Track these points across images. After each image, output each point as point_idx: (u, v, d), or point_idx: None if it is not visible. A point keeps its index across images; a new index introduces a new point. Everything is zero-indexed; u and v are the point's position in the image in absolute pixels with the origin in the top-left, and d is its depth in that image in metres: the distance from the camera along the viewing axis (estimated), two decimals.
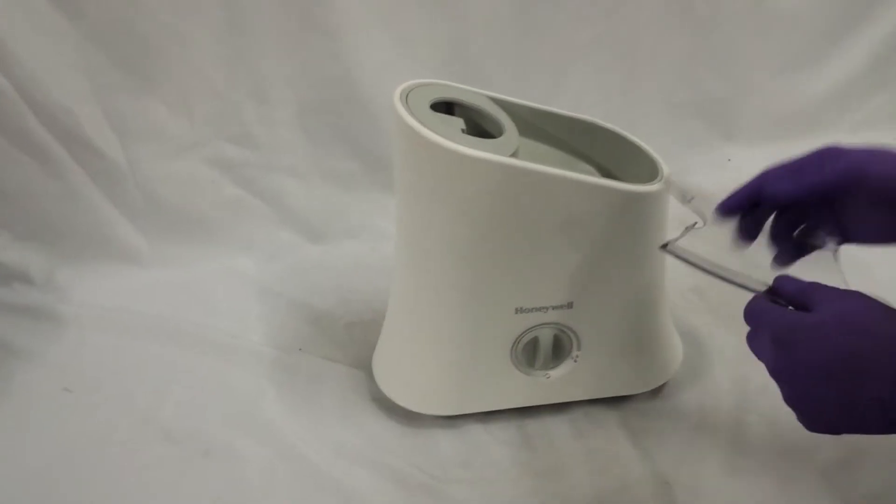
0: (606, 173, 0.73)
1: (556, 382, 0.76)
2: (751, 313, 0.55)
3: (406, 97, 0.66)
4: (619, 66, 1.09)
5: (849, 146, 0.57)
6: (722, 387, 0.81)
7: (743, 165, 1.13)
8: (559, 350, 0.74)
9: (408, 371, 0.77)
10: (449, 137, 0.62)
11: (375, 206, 1.05)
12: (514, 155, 0.64)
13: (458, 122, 0.67)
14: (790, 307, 0.55)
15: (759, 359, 0.55)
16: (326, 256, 1.02)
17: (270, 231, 1.03)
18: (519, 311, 0.70)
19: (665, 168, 0.69)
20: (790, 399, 0.52)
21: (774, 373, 0.52)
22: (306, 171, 1.03)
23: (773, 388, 0.79)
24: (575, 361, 0.75)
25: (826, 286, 0.54)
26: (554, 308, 0.71)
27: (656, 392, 0.80)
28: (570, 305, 0.71)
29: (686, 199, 0.66)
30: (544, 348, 0.73)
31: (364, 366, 0.84)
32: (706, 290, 0.94)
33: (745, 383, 0.81)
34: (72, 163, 0.92)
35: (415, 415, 0.77)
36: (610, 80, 1.10)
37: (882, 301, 0.51)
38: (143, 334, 0.89)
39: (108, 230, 0.97)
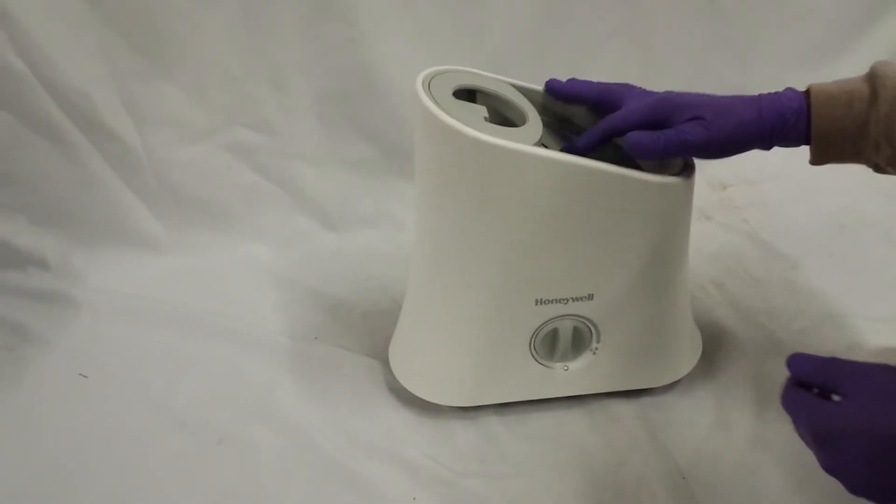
0: (631, 162, 0.72)
1: (575, 375, 0.75)
2: (785, 405, 0.53)
3: (428, 84, 0.65)
4: (638, 57, 1.08)
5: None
6: (741, 382, 0.81)
7: (764, 155, 1.13)
8: (578, 342, 0.74)
9: (425, 361, 0.76)
10: (472, 125, 0.62)
11: (392, 193, 1.04)
12: (537, 144, 0.63)
13: (480, 110, 0.66)
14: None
15: (807, 444, 0.52)
16: (343, 244, 1.02)
17: (286, 218, 1.03)
18: (539, 302, 0.70)
19: (692, 160, 0.68)
20: (854, 490, 0.49)
21: (827, 470, 0.50)
22: (323, 159, 1.03)
23: None
24: (594, 354, 0.74)
25: (845, 362, 0.52)
26: (574, 300, 0.70)
27: (675, 386, 0.79)
28: (590, 297, 0.70)
29: None
30: (564, 340, 0.73)
31: (380, 355, 0.84)
32: (726, 284, 0.93)
33: (763, 378, 0.81)
34: (88, 147, 0.92)
35: (431, 405, 0.77)
36: (628, 71, 1.09)
37: None
38: (157, 321, 0.89)
39: (123, 215, 0.97)
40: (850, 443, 0.47)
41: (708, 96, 0.64)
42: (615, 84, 0.69)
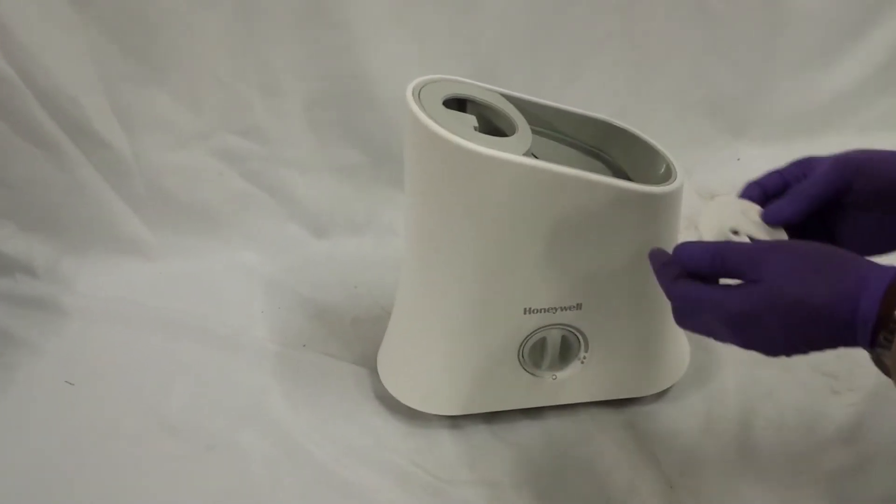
0: (619, 173, 0.73)
1: (563, 384, 0.75)
2: (684, 299, 0.55)
3: (418, 93, 0.66)
4: (631, 63, 1.08)
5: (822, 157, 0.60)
6: (729, 391, 0.81)
7: (752, 164, 1.14)
8: (567, 351, 0.74)
9: (413, 370, 0.76)
10: (461, 135, 0.62)
11: (382, 200, 1.04)
12: (527, 154, 0.63)
13: (470, 120, 0.67)
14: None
15: (701, 333, 0.55)
16: (332, 251, 1.01)
17: (276, 225, 1.02)
18: (528, 311, 0.70)
19: (679, 169, 0.68)
20: (774, 354, 0.52)
21: (746, 347, 0.52)
22: (313, 165, 1.02)
23: (780, 393, 0.79)
24: (582, 363, 0.74)
25: (735, 245, 0.54)
26: (563, 309, 0.70)
27: (663, 395, 0.80)
28: (579, 307, 0.70)
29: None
30: (552, 349, 0.73)
31: (369, 363, 0.83)
32: None
33: (751, 387, 0.81)
34: (77, 153, 0.92)
35: (419, 414, 0.77)
36: (622, 77, 1.09)
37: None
38: (147, 327, 0.89)
39: (112, 221, 0.96)
40: (769, 320, 0.50)
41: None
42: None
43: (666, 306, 0.75)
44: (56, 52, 0.87)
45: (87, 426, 0.78)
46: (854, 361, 0.83)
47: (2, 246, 0.92)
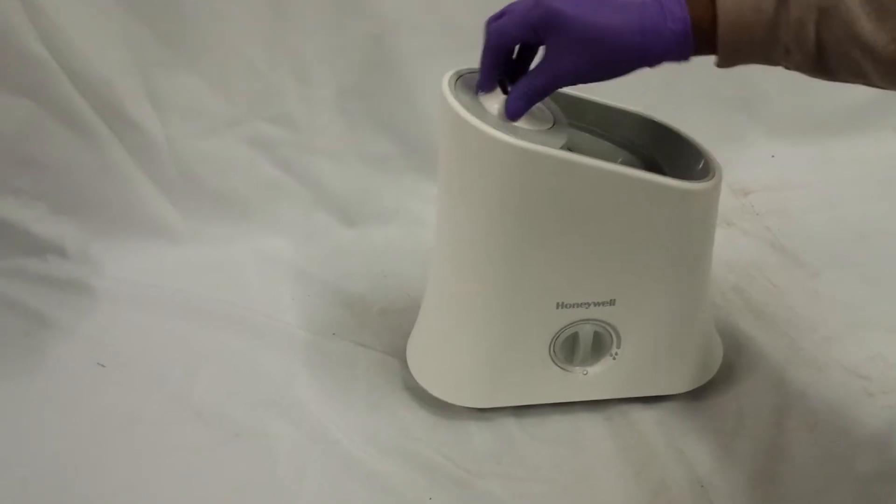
0: (656, 168, 0.72)
1: (594, 379, 0.75)
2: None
3: (454, 84, 0.65)
4: None
5: None
6: (761, 390, 0.80)
7: (787, 162, 1.13)
8: (599, 347, 0.73)
9: (442, 361, 0.76)
10: (498, 127, 0.61)
11: (412, 190, 1.04)
12: (563, 147, 0.63)
13: None
14: None
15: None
16: (362, 240, 1.02)
17: (306, 213, 1.02)
18: (560, 305, 0.69)
19: (718, 166, 0.67)
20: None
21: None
22: (344, 154, 1.02)
23: (813, 394, 0.79)
24: (614, 359, 0.74)
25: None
26: (596, 304, 0.70)
27: (695, 393, 0.79)
28: (612, 302, 0.70)
29: None
30: (584, 345, 0.72)
31: (397, 353, 0.83)
32: (747, 290, 0.92)
33: (784, 387, 0.80)
34: (110, 136, 0.92)
35: (448, 406, 0.76)
36: (654, 72, 1.08)
37: None
38: (175, 312, 0.89)
39: (143, 205, 0.97)
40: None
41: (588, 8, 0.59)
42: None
43: (700, 304, 0.75)
44: (91, 36, 0.87)
45: (114, 409, 0.78)
46: (889, 364, 0.82)
47: (33, 227, 0.93)
